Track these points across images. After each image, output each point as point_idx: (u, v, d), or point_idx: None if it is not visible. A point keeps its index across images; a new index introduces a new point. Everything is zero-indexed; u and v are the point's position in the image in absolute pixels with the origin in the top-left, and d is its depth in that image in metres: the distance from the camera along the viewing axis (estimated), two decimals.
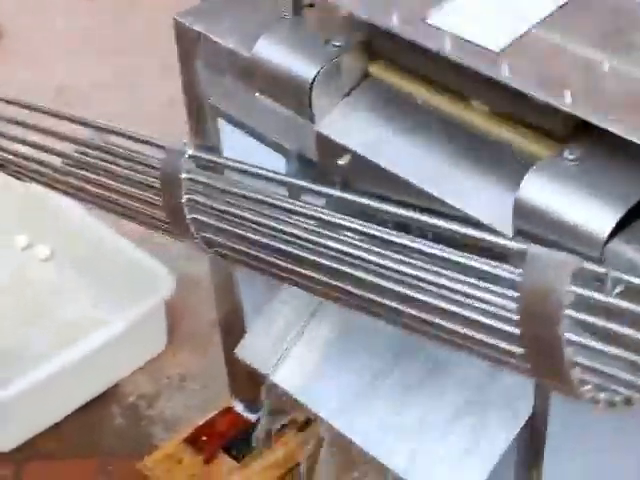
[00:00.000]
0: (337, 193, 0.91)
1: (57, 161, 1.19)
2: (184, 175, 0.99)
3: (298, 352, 1.30)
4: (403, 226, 0.98)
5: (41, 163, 1.19)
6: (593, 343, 0.80)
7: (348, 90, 1.11)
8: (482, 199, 1.01)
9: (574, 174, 0.95)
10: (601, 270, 0.86)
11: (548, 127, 1.00)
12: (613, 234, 0.92)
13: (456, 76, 1.05)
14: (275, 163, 1.16)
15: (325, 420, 1.27)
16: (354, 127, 1.10)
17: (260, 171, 0.98)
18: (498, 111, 1.05)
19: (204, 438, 1.64)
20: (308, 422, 1.54)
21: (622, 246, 0.92)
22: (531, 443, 1.13)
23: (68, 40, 2.73)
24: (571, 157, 0.96)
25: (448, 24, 1.02)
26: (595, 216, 0.92)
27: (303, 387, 1.30)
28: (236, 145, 1.21)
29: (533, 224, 0.95)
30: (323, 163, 1.12)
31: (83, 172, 1.13)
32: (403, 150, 1.07)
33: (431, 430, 1.18)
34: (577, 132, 0.99)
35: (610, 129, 0.91)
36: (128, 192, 1.07)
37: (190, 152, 0.99)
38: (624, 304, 0.83)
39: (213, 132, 1.26)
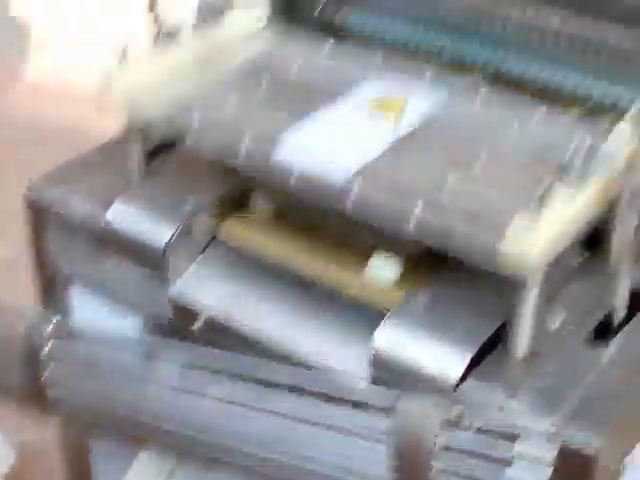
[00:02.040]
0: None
1: None
2: (47, 345, 1.00)
3: None
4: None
5: None
6: None
7: (201, 250, 1.15)
8: (340, 353, 1.05)
9: (422, 321, 1.01)
10: (457, 413, 0.91)
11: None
12: (465, 375, 0.97)
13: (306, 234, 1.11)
14: (132, 326, 1.18)
15: None
16: (208, 288, 1.13)
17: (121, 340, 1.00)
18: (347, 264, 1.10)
19: None
20: None
21: (474, 385, 0.97)
22: None
23: None
24: (419, 304, 1.02)
25: (294, 159, 1.05)
26: (445, 361, 0.98)
27: None
28: (88, 312, 1.22)
29: (389, 373, 1.00)
30: (179, 326, 1.15)
31: None
32: (258, 309, 1.11)
33: None
34: (422, 278, 1.05)
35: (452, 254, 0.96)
36: None
37: (55, 320, 1.00)
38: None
39: (62, 299, 1.27)
